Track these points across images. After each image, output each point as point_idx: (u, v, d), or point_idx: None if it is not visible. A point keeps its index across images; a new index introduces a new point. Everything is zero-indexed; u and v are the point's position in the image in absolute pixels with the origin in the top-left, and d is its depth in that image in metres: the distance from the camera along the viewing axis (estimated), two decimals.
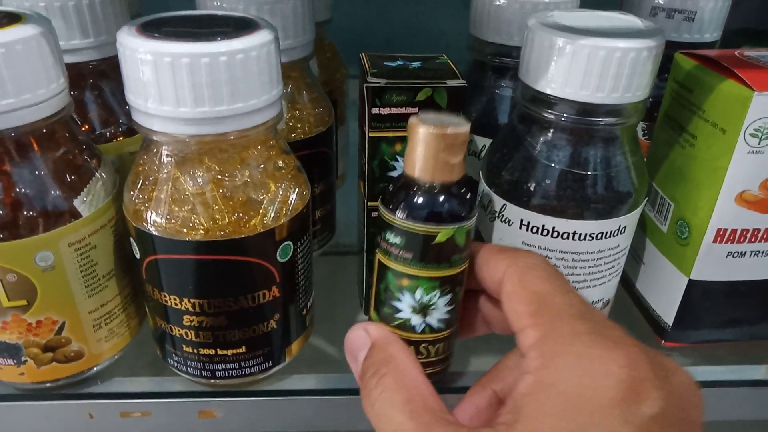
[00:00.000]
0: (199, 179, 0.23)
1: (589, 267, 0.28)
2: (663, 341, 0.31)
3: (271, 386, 0.29)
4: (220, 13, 0.25)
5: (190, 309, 0.25)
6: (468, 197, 0.21)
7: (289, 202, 0.25)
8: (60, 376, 0.27)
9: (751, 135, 0.25)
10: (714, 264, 0.28)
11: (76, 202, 0.24)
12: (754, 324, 0.31)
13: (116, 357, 0.28)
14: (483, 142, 0.35)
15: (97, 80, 0.29)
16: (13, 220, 0.23)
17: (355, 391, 0.28)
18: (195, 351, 0.26)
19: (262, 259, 0.24)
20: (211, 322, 0.25)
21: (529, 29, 0.25)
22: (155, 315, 0.26)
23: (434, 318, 0.23)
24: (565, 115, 0.25)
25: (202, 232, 0.23)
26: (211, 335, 0.25)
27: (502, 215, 0.28)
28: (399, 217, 0.21)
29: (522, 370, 0.18)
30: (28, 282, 0.24)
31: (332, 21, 0.42)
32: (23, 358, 0.26)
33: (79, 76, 0.28)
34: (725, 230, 0.27)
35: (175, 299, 0.24)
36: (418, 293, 0.22)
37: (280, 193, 0.24)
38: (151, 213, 0.23)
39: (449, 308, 0.23)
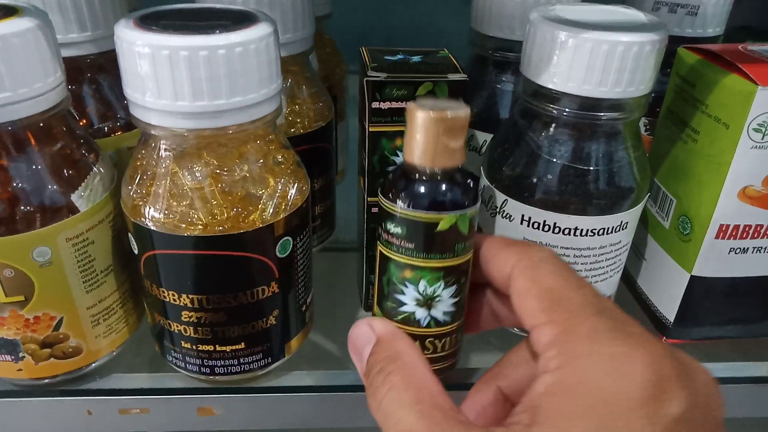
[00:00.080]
0: (198, 174, 0.23)
1: (590, 263, 0.27)
2: (664, 338, 0.31)
3: (270, 383, 0.29)
4: (218, 6, 0.24)
5: (189, 305, 0.24)
6: (470, 183, 0.21)
7: (289, 197, 0.24)
8: (58, 372, 0.27)
9: (755, 130, 0.25)
10: (716, 260, 0.28)
11: (74, 197, 0.24)
12: (755, 321, 0.31)
13: (115, 353, 0.28)
14: (484, 138, 0.35)
15: (95, 74, 0.29)
16: (10, 215, 0.22)
17: (355, 388, 0.28)
18: (194, 347, 0.26)
19: (261, 255, 0.24)
20: (210, 318, 0.25)
21: (531, 23, 0.25)
22: (154, 311, 0.26)
23: (439, 311, 0.22)
24: (567, 109, 0.25)
25: (200, 227, 0.23)
26: (210, 331, 0.25)
27: (503, 211, 0.27)
28: (399, 206, 0.20)
29: (539, 368, 0.17)
30: (25, 277, 0.23)
31: (332, 17, 0.42)
32: (21, 354, 0.25)
33: (76, 70, 0.28)
34: (727, 226, 0.27)
35: (173, 295, 0.24)
36: (422, 285, 0.21)
37: (279, 188, 0.24)
38: (150, 208, 0.23)
39: (455, 300, 0.22)
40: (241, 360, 0.26)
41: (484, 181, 0.28)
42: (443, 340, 0.23)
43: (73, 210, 0.24)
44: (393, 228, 0.21)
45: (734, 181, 0.26)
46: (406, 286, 0.22)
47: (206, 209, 0.23)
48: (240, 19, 0.22)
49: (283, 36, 0.28)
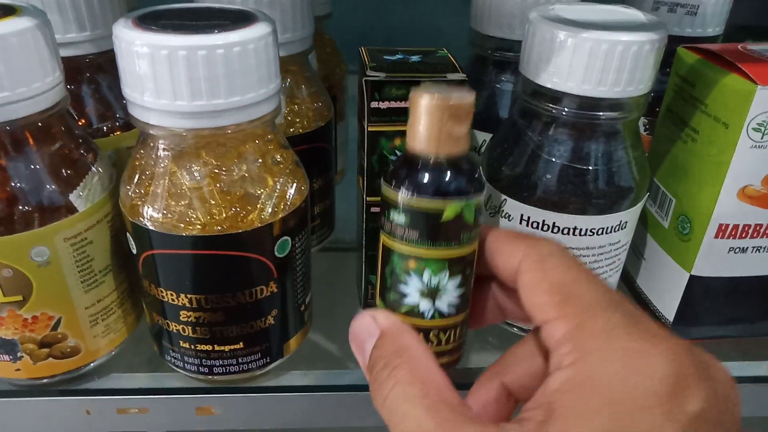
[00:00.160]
0: (196, 173, 0.23)
1: (589, 262, 0.27)
2: None
3: (269, 382, 0.29)
4: (217, 5, 0.24)
5: (187, 304, 0.24)
6: (476, 171, 0.20)
7: (287, 196, 0.24)
8: (56, 372, 0.27)
9: (754, 129, 0.25)
10: (715, 260, 0.28)
11: (72, 197, 0.24)
12: (755, 320, 0.31)
13: (113, 353, 0.28)
14: (483, 137, 0.35)
15: (93, 74, 0.29)
16: (8, 215, 0.22)
17: (354, 388, 0.28)
18: (192, 347, 0.26)
19: (260, 255, 0.24)
20: (209, 318, 0.25)
21: (531, 23, 0.25)
22: (152, 311, 0.26)
23: (444, 302, 0.21)
24: (566, 109, 0.25)
25: (199, 226, 0.23)
26: (209, 331, 0.25)
27: (503, 210, 0.27)
28: (403, 194, 0.20)
29: (552, 365, 0.17)
30: (23, 277, 0.23)
31: (332, 16, 0.42)
32: (19, 354, 0.25)
33: (75, 70, 0.28)
34: (727, 225, 0.27)
35: (172, 295, 0.24)
36: (426, 275, 0.21)
37: (278, 187, 0.24)
38: (148, 208, 0.23)
39: (459, 291, 0.21)
40: (240, 360, 0.26)
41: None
42: (448, 332, 0.22)
43: (71, 210, 0.24)
44: (396, 217, 0.20)
45: (734, 180, 0.26)
46: (410, 277, 0.21)
47: (205, 209, 0.23)
48: (239, 19, 0.22)
49: (283, 36, 0.28)
